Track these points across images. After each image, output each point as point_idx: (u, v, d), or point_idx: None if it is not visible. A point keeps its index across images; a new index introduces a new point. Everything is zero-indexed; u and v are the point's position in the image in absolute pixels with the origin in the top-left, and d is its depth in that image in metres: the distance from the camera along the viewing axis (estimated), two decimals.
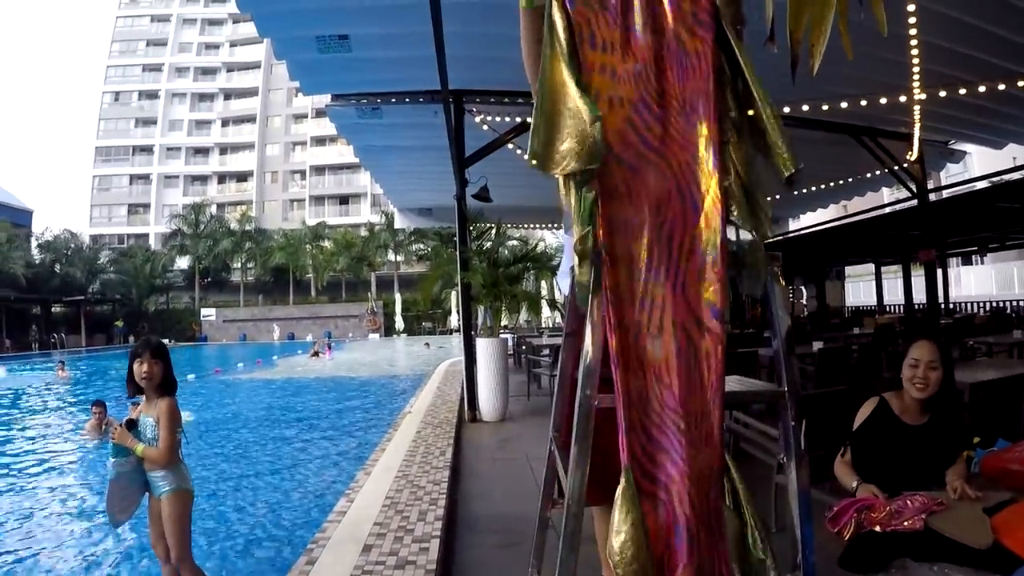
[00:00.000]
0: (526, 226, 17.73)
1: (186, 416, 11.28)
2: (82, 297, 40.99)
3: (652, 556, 1.33)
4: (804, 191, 14.97)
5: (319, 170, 59.58)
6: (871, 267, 21.69)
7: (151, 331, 40.96)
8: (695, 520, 1.37)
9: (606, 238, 1.44)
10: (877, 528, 2.44)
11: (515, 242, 14.91)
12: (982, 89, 8.41)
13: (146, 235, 57.09)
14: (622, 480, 1.38)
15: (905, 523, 2.41)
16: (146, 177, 59.35)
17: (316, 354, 25.54)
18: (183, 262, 49.50)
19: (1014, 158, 15.76)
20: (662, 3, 1.60)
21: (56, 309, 41.89)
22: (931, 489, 2.63)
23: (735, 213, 1.52)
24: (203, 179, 60.52)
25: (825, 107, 8.84)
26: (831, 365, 8.55)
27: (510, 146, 9.15)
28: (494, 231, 9.94)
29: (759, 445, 4.16)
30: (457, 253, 9.05)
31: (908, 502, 2.49)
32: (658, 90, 1.57)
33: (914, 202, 11.81)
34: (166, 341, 31.18)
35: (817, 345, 9.27)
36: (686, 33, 1.60)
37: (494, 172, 9.17)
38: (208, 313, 44.18)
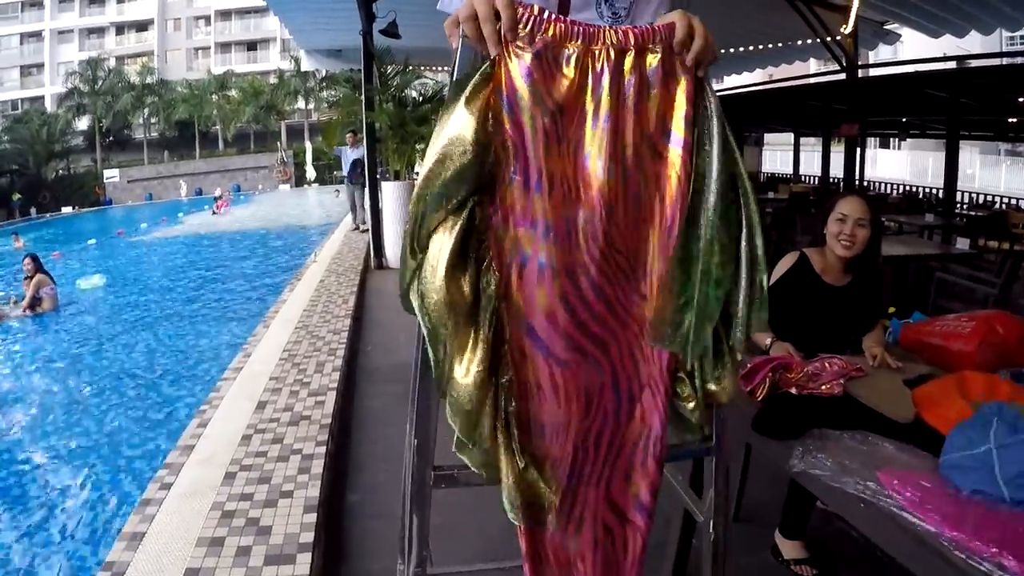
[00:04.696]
0: (437, 68, 16.75)
1: (96, 280, 10.72)
2: None
3: None
4: (731, 51, 14.62)
5: (225, 15, 54.45)
6: (790, 137, 21.76)
7: (53, 200, 38.37)
8: None
9: (525, 440, 1.15)
10: (793, 390, 2.30)
11: (430, 81, 13.90)
12: None
13: (41, 98, 51.38)
14: None
15: (823, 387, 2.27)
16: (38, 34, 52.96)
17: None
18: (82, 123, 45.86)
19: (944, 52, 15.75)
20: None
21: None
22: (846, 353, 2.53)
23: (683, 400, 1.25)
24: (100, 31, 54.24)
25: None
26: None
27: None
28: (402, 70, 9.39)
29: None
30: (363, 92, 8.53)
31: (826, 364, 2.36)
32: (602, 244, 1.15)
33: (842, 76, 11.60)
34: (69, 208, 29.39)
35: None
36: (649, 152, 1.17)
37: (405, 10, 8.43)
38: (111, 175, 41.36)
